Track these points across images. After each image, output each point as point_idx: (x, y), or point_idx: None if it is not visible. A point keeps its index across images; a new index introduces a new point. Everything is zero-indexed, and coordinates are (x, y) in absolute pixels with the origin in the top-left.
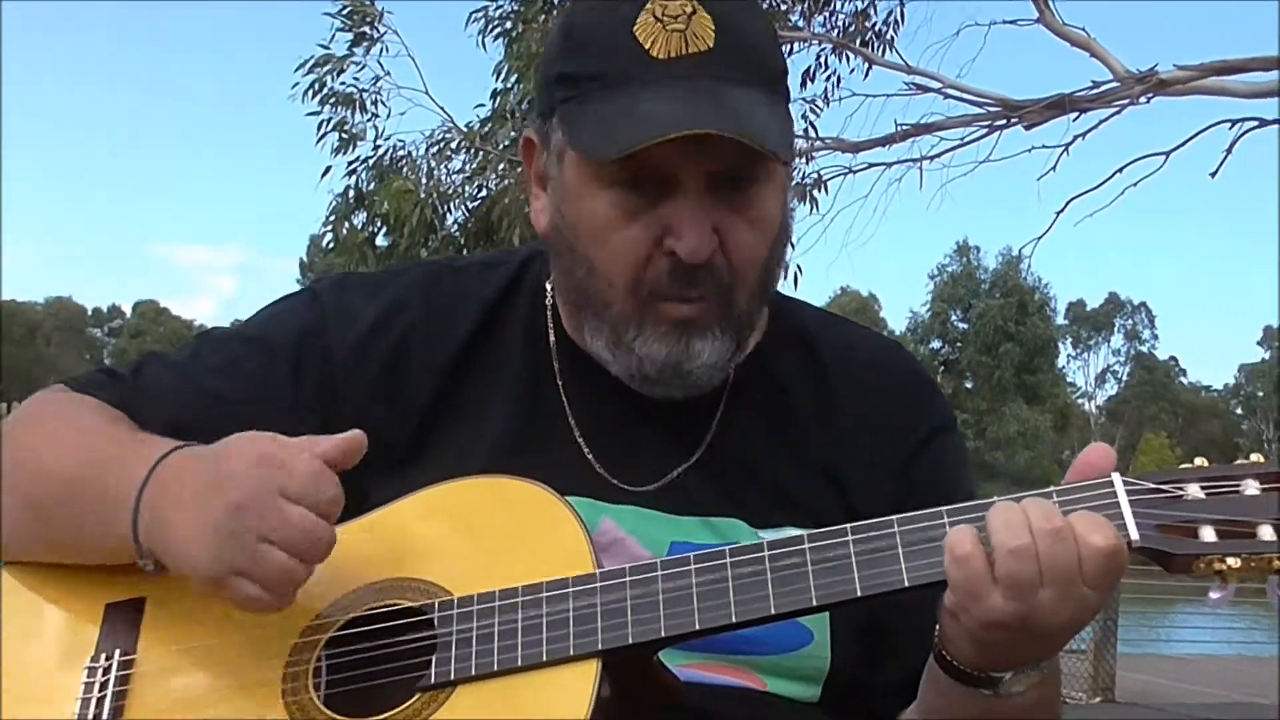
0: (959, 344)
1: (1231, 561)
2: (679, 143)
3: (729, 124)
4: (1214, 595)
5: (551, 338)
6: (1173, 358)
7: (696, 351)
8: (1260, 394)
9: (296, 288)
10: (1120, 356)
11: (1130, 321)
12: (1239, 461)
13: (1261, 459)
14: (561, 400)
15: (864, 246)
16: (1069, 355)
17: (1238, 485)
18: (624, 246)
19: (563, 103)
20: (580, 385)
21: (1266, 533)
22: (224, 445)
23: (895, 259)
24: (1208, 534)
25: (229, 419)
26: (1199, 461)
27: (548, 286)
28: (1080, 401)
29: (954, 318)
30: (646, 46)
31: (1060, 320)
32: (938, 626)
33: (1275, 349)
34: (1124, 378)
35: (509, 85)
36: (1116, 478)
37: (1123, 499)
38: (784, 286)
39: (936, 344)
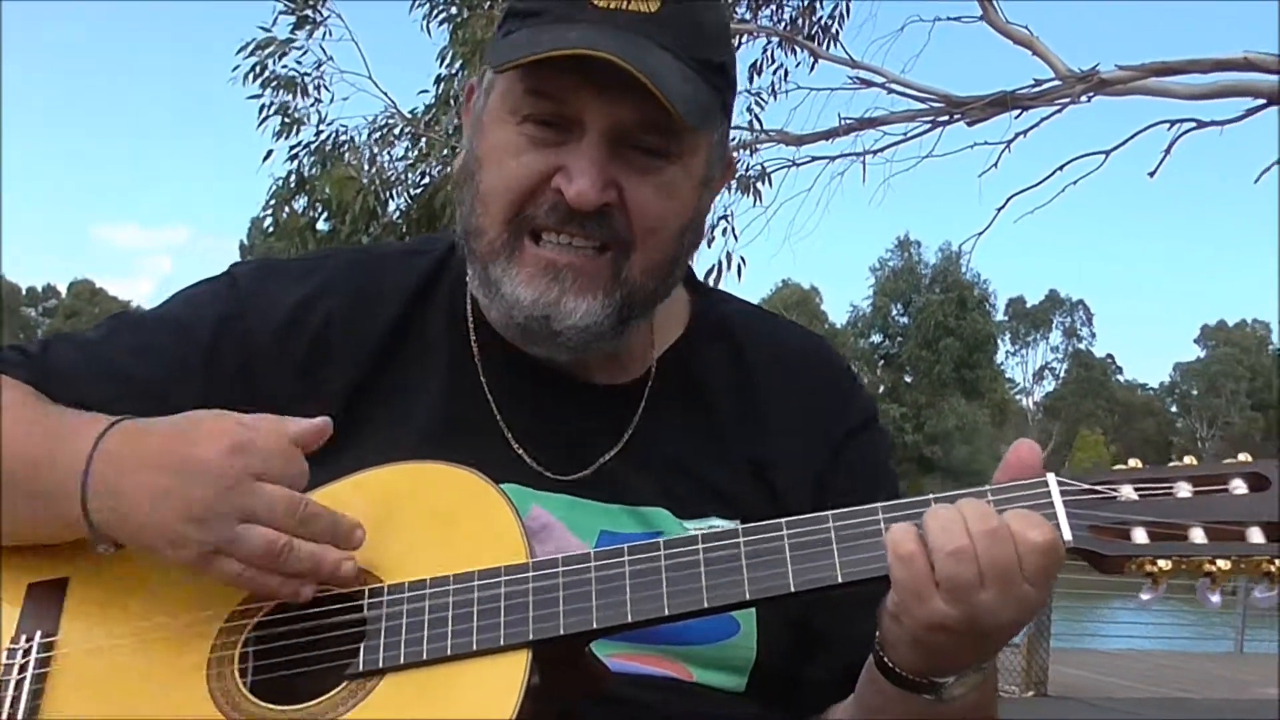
0: (899, 338)
1: (1163, 563)
2: (591, 83)
3: (637, 65)
4: (1145, 596)
5: (471, 322)
6: (1110, 355)
7: (570, 308)
8: (1195, 393)
9: None
10: (1058, 353)
11: (1069, 319)
12: (1172, 464)
13: (1194, 461)
14: (484, 388)
15: (806, 239)
16: (1008, 351)
17: (1170, 487)
18: (516, 171)
19: (503, 37)
20: (502, 371)
21: (1197, 535)
22: (188, 427)
23: (837, 252)
24: (1140, 536)
25: (141, 401)
26: (1133, 463)
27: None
28: (1019, 397)
29: (894, 312)
30: None
31: (1000, 316)
32: (878, 631)
33: (1211, 348)
34: (1061, 374)
35: (454, 71)
36: (1051, 478)
37: (1057, 500)
38: (727, 278)
39: (877, 338)
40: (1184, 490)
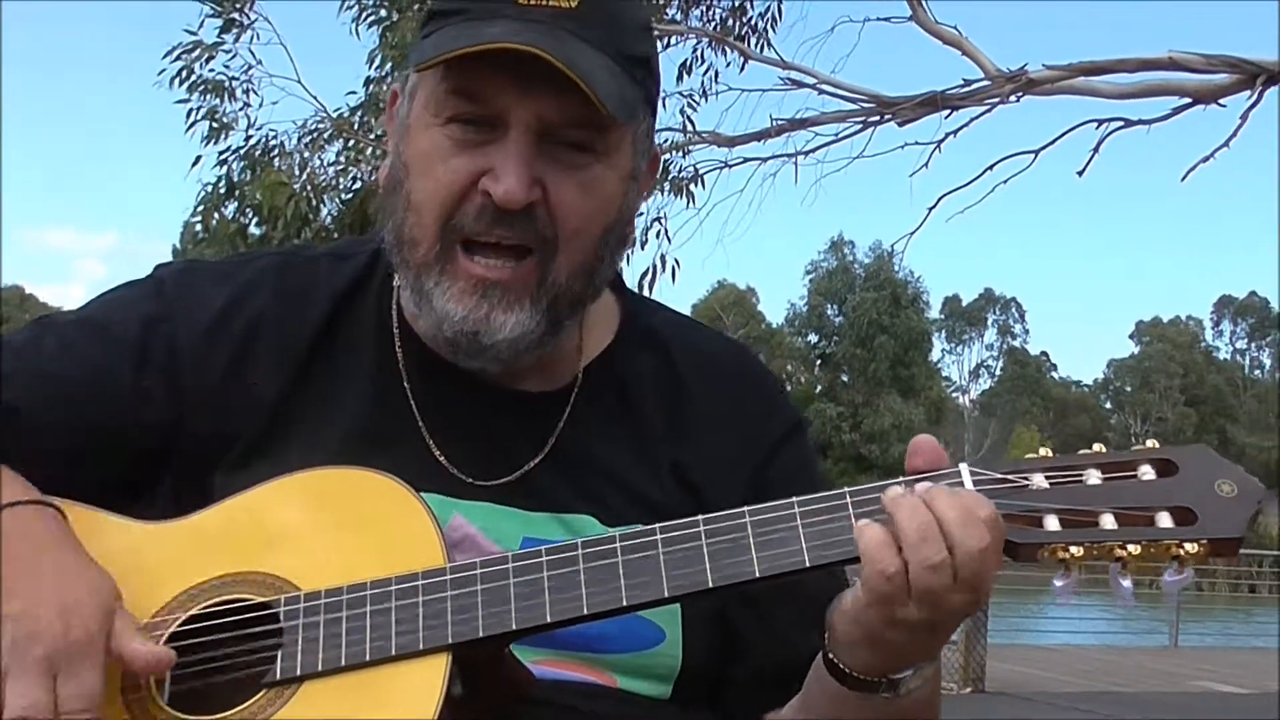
0: (835, 337)
1: (1075, 550)
2: (514, 79)
3: (561, 60)
4: (1058, 583)
5: (396, 328)
6: (1044, 353)
7: (498, 324)
8: (1129, 389)
9: None
10: (993, 351)
11: (1003, 317)
12: (1081, 451)
13: (1102, 448)
14: (407, 394)
15: (741, 240)
16: (944, 350)
17: (1080, 475)
18: (445, 177)
19: (424, 38)
20: (426, 376)
21: (1108, 521)
22: (48, 561)
23: (773, 253)
24: (1052, 523)
25: (68, 406)
26: (1043, 451)
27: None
28: (955, 395)
29: (830, 311)
30: None
31: (935, 315)
32: (827, 635)
33: (1145, 344)
34: (997, 372)
35: (383, 74)
36: (964, 467)
37: (970, 489)
38: (662, 281)
39: (813, 337)
40: (1094, 477)
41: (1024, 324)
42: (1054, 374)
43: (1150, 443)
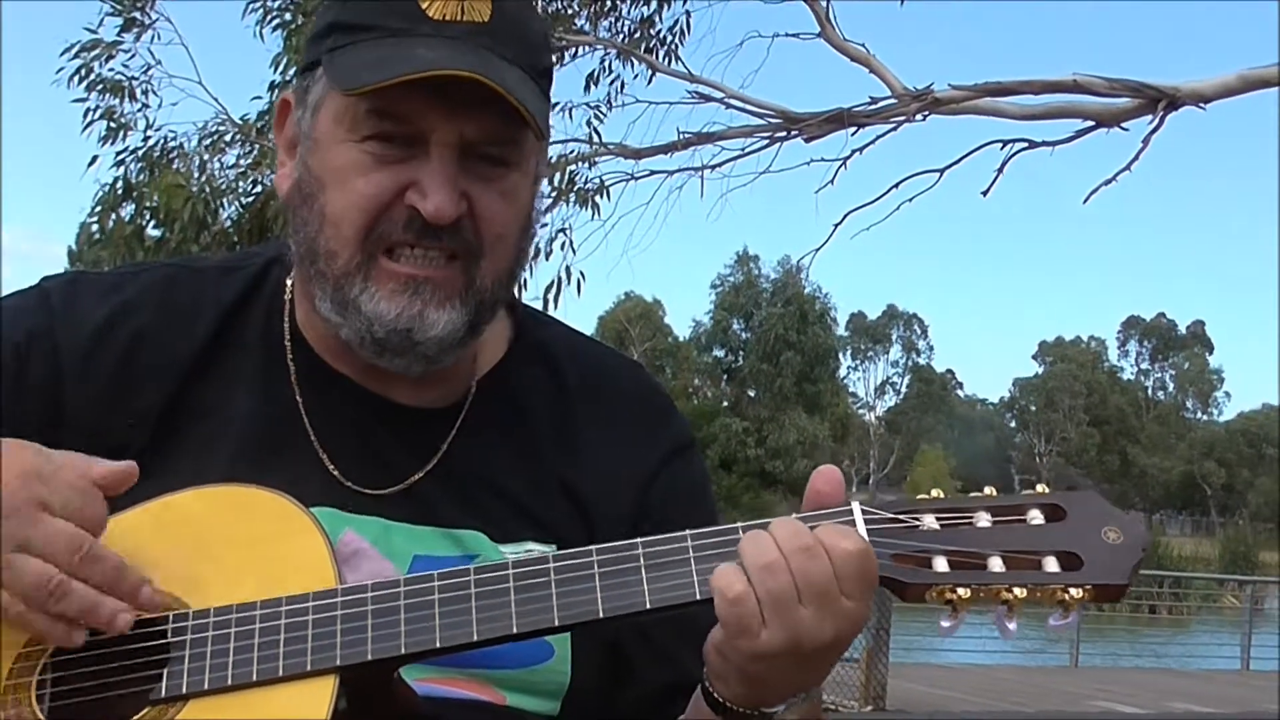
0: (741, 352)
1: (962, 591)
2: (438, 100)
3: (497, 81)
4: (944, 624)
5: (288, 340)
6: (950, 370)
7: (432, 320)
8: (1033, 408)
9: None
10: (899, 368)
11: (906, 333)
12: (972, 495)
13: (994, 491)
14: (298, 406)
15: (646, 253)
16: (850, 366)
17: (970, 517)
18: (366, 190)
19: (330, 51)
20: (317, 389)
21: (995, 564)
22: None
23: (679, 266)
24: (940, 564)
25: None
26: (935, 493)
27: (288, 284)
28: (860, 412)
29: (736, 326)
30: (423, 6)
31: (841, 331)
32: (705, 666)
33: (1048, 364)
34: (903, 389)
35: (288, 78)
36: (856, 506)
37: (861, 528)
38: (566, 293)
39: (719, 351)
40: (984, 520)
41: (928, 340)
42: (959, 392)
43: (1040, 487)
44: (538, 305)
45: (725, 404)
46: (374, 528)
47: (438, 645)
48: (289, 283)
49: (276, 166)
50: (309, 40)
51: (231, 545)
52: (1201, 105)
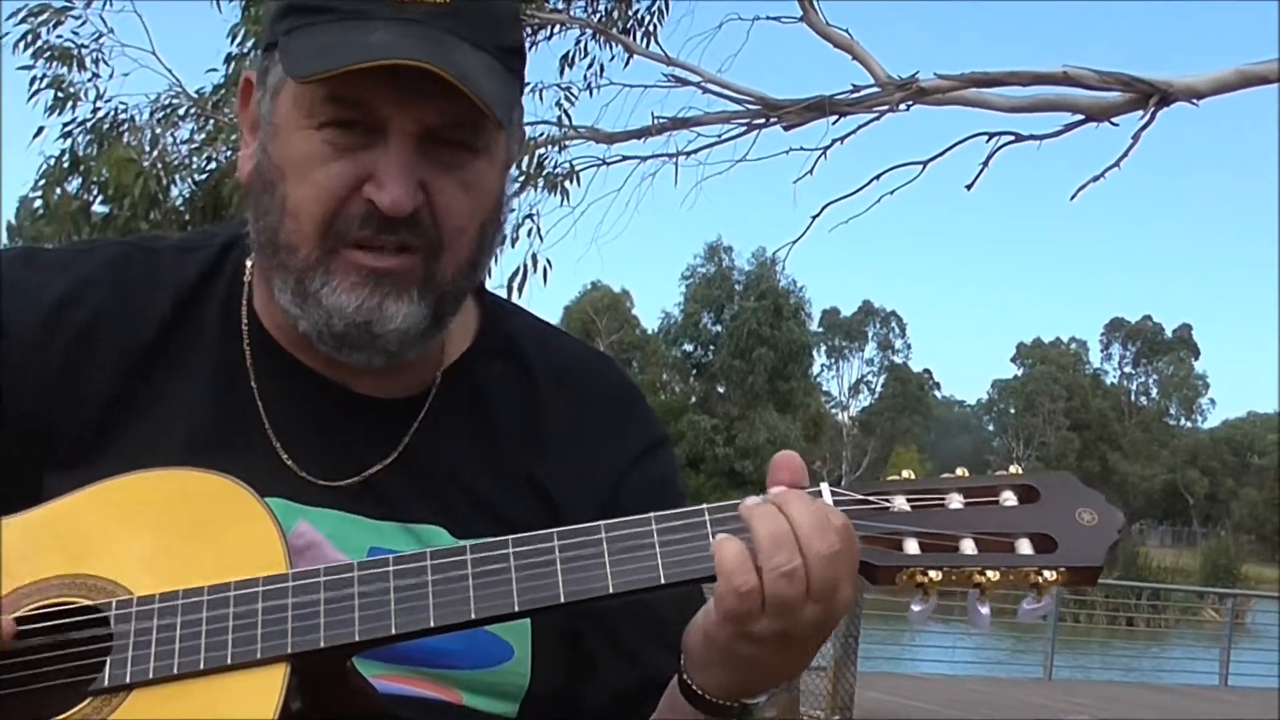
0: (712, 346)
1: (933, 574)
2: (395, 86)
3: (449, 68)
4: (915, 608)
5: (245, 324)
6: (927, 370)
7: (391, 313)
8: (1012, 411)
9: None
10: (874, 367)
11: (883, 331)
12: (944, 475)
13: (965, 473)
14: (254, 393)
15: (616, 241)
16: (824, 364)
17: (942, 499)
18: (324, 181)
19: (286, 33)
20: (275, 376)
21: (968, 546)
22: None
23: (649, 256)
24: (911, 546)
25: None
26: (906, 474)
27: (247, 267)
28: (834, 411)
29: (706, 320)
30: None
31: (815, 328)
32: (683, 656)
33: (1028, 366)
34: (878, 389)
35: (245, 50)
36: (824, 487)
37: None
38: (533, 281)
39: (689, 346)
40: (956, 502)
41: (905, 339)
42: (936, 393)
43: (1013, 468)
44: (501, 293)
45: (694, 400)
46: (329, 521)
47: (394, 632)
48: (248, 265)
49: (239, 146)
50: (269, 19)
51: (177, 529)
52: (1195, 101)
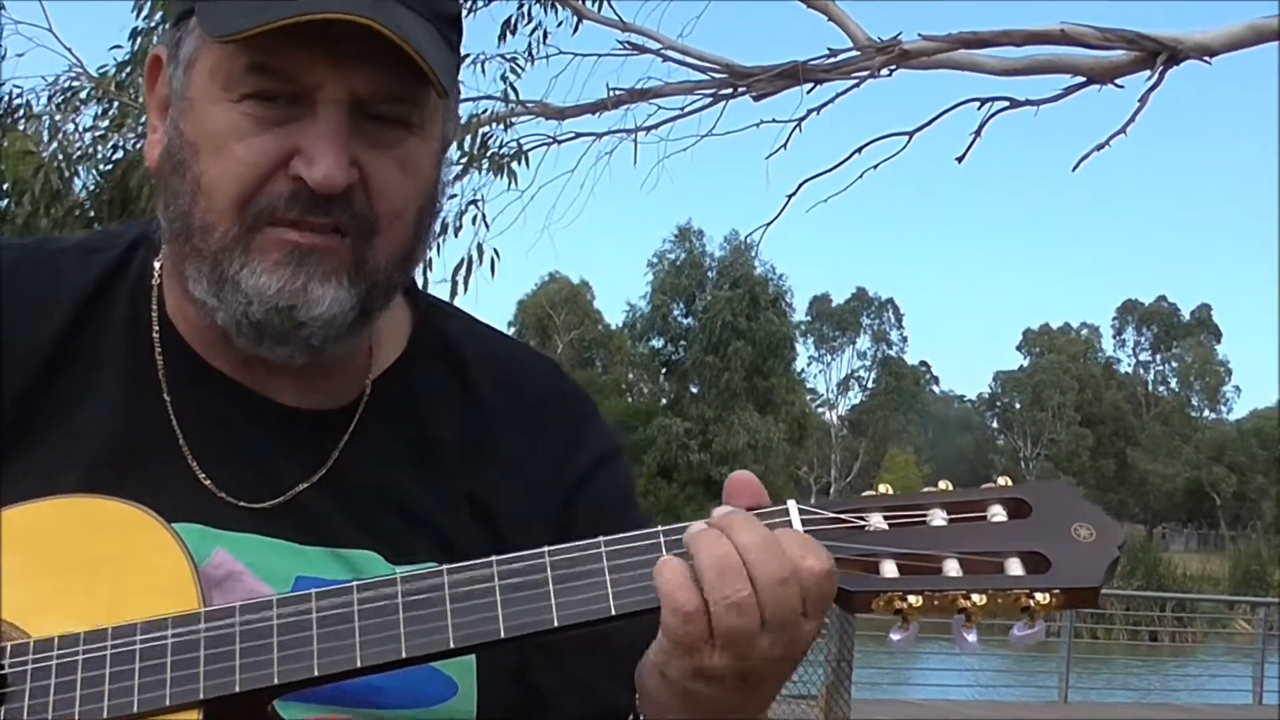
0: (683, 342)
1: (913, 599)
2: (325, 50)
3: (390, 27)
4: (894, 637)
5: (156, 330)
6: (924, 363)
7: (316, 296)
8: (1018, 405)
9: None
10: (866, 360)
11: (877, 321)
12: (925, 489)
13: (949, 486)
14: (166, 406)
15: (572, 228)
16: (810, 358)
17: (923, 516)
18: (244, 156)
19: None
20: (190, 386)
21: (951, 567)
22: None
23: (611, 243)
24: (889, 569)
25: None
26: (883, 488)
27: (156, 267)
28: (820, 410)
29: (676, 312)
30: None
31: (802, 317)
32: (638, 693)
33: (1034, 355)
34: (870, 384)
35: (152, 24)
36: (792, 505)
37: (798, 530)
38: (479, 273)
39: (658, 342)
40: (938, 518)
41: (901, 330)
42: (934, 387)
43: (1002, 480)
44: (445, 288)
45: (664, 402)
46: (250, 547)
47: (315, 674)
48: (157, 266)
49: (146, 132)
50: None
51: (78, 565)
52: (1206, 59)
